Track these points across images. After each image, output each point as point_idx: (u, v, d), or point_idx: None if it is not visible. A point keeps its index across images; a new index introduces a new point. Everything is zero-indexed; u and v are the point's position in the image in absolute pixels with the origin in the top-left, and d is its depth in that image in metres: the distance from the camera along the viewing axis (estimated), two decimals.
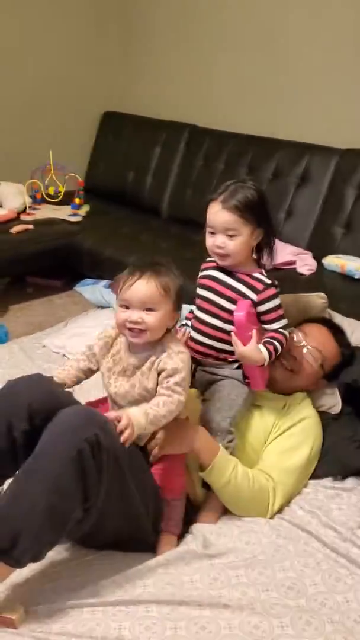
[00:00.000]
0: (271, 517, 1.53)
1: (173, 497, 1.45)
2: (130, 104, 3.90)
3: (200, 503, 1.55)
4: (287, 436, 1.63)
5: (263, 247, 1.60)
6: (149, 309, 1.36)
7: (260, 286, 1.55)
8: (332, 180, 2.86)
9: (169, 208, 3.53)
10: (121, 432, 1.27)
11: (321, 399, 1.79)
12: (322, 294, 2.01)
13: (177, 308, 1.42)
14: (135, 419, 1.30)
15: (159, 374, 1.38)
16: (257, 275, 1.57)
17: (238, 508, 1.52)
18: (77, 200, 3.38)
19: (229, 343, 1.55)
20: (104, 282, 2.83)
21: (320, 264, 2.71)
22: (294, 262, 2.73)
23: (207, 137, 3.41)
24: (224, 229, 1.51)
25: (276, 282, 1.59)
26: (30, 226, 3.13)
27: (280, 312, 1.58)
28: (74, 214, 3.33)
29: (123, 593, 1.27)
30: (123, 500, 1.32)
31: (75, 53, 3.78)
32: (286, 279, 2.52)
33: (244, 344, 1.50)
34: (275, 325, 1.57)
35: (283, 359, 1.69)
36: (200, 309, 1.60)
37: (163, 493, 1.44)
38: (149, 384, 1.38)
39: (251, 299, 1.54)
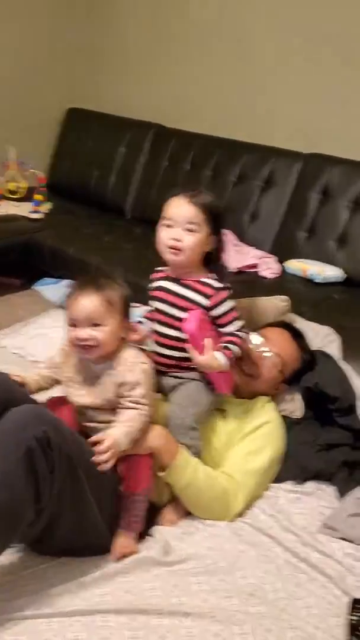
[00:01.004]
0: (232, 520, 1.52)
1: (135, 492, 1.41)
2: (96, 101, 3.85)
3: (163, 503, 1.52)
4: (250, 439, 1.62)
5: (212, 259, 1.57)
6: (97, 324, 1.35)
7: (210, 291, 1.53)
8: (296, 185, 2.88)
9: (133, 208, 3.50)
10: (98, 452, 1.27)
11: (283, 403, 1.79)
12: (285, 297, 2.02)
13: (126, 317, 1.42)
14: (117, 442, 1.30)
15: (119, 385, 1.37)
16: (206, 280, 1.54)
17: (199, 509, 1.50)
18: (38, 197, 3.31)
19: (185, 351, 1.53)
20: (66, 281, 2.77)
21: (283, 268, 2.72)
22: (257, 266, 2.73)
23: (173, 138, 3.39)
24: (185, 222, 1.48)
25: (228, 285, 1.57)
26: None
27: (234, 314, 1.56)
28: (35, 211, 3.26)
29: (80, 602, 1.23)
30: (77, 501, 1.29)
31: (39, 48, 3.71)
32: (249, 283, 2.56)
33: (200, 354, 1.49)
34: (230, 328, 1.56)
35: (243, 364, 1.69)
36: (156, 321, 1.58)
37: (126, 487, 1.40)
38: (109, 394, 1.38)
39: (203, 305, 1.52)
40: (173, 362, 1.56)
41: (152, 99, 3.65)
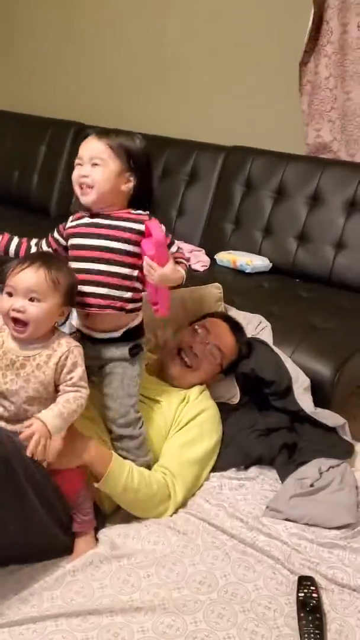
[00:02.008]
0: (175, 512, 1.52)
1: (74, 497, 1.39)
2: (13, 102, 3.76)
3: (107, 511, 1.51)
4: (186, 429, 1.63)
5: (140, 201, 1.51)
6: (34, 299, 1.31)
7: (144, 217, 1.47)
8: (219, 177, 2.91)
9: (58, 207, 3.44)
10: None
11: (219, 389, 1.82)
12: (218, 284, 2.06)
13: (67, 303, 1.37)
14: (50, 424, 1.26)
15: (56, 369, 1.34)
16: (134, 211, 1.49)
17: (139, 510, 1.49)
18: None
19: (125, 289, 1.47)
20: None
21: (213, 260, 2.75)
22: (187, 259, 2.74)
23: None
24: (91, 157, 1.44)
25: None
26: None
27: (170, 236, 1.52)
28: None
29: (30, 609, 1.21)
30: (19, 505, 1.25)
31: None
32: None
33: (163, 265, 1.42)
34: (174, 248, 1.54)
35: (184, 355, 1.70)
36: (82, 259, 1.48)
37: (65, 496, 1.38)
38: (46, 378, 1.33)
39: (139, 231, 1.46)
40: (108, 301, 1.46)
41: (71, 97, 3.60)
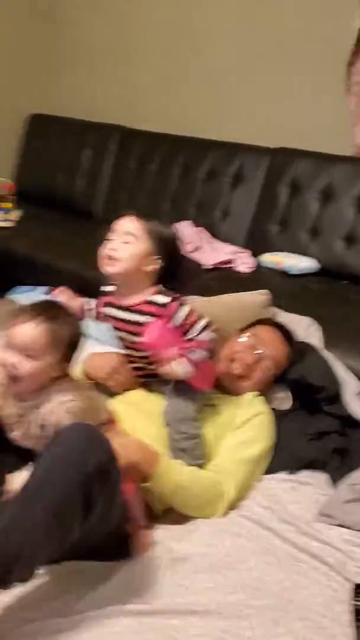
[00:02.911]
0: (227, 513, 1.51)
1: (129, 497, 1.37)
2: (58, 106, 3.81)
3: (159, 513, 1.50)
4: (241, 431, 1.63)
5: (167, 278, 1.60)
6: (30, 356, 1.29)
7: (156, 309, 1.54)
8: (265, 179, 2.89)
9: (103, 211, 3.48)
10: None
11: (271, 396, 1.81)
12: (265, 291, 2.04)
13: (67, 359, 1.35)
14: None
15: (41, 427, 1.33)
16: (150, 298, 1.55)
17: (192, 509, 1.49)
18: (7, 205, 3.27)
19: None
20: (41, 288, 2.74)
21: (257, 262, 2.74)
22: (232, 261, 2.74)
23: (138, 139, 3.38)
24: (123, 233, 1.53)
25: (177, 295, 1.58)
26: None
27: (192, 319, 1.56)
28: (5, 219, 3.22)
29: (84, 607, 1.21)
30: (110, 518, 1.26)
31: (0, 54, 3.67)
32: (225, 278, 2.56)
33: (162, 365, 1.50)
34: (193, 333, 1.56)
35: (237, 365, 1.70)
36: (121, 345, 1.65)
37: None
38: (34, 432, 1.35)
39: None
40: (147, 372, 1.63)
41: (115, 101, 3.63)
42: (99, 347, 2.10)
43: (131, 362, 1.64)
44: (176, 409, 1.55)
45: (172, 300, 1.55)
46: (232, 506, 1.53)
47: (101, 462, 1.16)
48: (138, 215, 1.58)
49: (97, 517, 1.18)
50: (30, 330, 1.28)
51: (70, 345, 1.34)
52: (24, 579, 1.13)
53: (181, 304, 1.56)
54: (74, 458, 1.15)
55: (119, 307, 1.59)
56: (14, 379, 1.28)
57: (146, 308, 1.55)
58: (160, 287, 1.58)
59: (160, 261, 1.56)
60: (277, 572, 1.35)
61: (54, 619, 1.18)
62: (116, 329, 1.62)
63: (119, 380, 1.67)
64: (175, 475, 1.44)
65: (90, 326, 2.34)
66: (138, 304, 1.56)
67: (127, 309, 1.57)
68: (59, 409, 1.31)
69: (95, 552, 1.34)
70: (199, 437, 1.55)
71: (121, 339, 1.63)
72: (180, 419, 1.54)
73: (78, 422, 1.29)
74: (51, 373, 1.32)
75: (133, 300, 1.57)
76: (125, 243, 1.52)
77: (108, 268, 1.54)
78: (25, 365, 1.27)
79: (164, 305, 1.55)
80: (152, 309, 1.54)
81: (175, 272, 1.61)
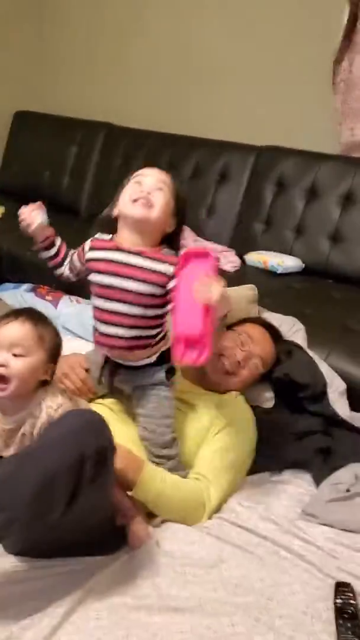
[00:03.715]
0: (210, 517, 1.51)
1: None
2: (44, 103, 3.80)
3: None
4: (221, 435, 1.61)
5: (170, 244, 1.46)
6: (19, 355, 1.27)
7: (175, 259, 1.39)
8: (250, 178, 2.90)
9: (88, 208, 3.47)
10: None
11: (254, 394, 1.81)
12: (252, 285, 2.05)
13: (51, 361, 1.34)
14: None
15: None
16: (166, 250, 1.42)
17: (174, 516, 1.48)
18: None
19: (150, 327, 1.42)
20: (25, 285, 2.73)
21: (243, 261, 2.74)
22: (217, 260, 2.74)
23: (124, 136, 3.38)
24: (158, 181, 1.42)
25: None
26: None
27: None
28: None
29: (72, 603, 1.21)
30: (100, 506, 1.27)
31: None
32: None
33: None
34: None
35: (225, 361, 1.69)
36: (101, 297, 1.43)
37: None
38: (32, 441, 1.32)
39: (168, 274, 1.38)
40: (132, 342, 1.43)
41: (101, 98, 3.63)
42: (75, 342, 2.09)
43: (111, 323, 1.42)
44: (150, 436, 1.50)
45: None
46: (214, 511, 1.53)
47: (100, 446, 1.17)
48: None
49: (87, 504, 1.18)
50: (16, 328, 1.28)
51: (54, 347, 1.34)
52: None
53: None
54: (73, 437, 1.17)
55: (125, 251, 1.41)
56: (3, 380, 1.27)
57: (162, 256, 1.40)
58: (164, 247, 1.44)
59: (174, 224, 1.45)
60: (259, 569, 1.36)
61: (37, 614, 1.18)
62: (107, 273, 1.41)
63: (70, 384, 1.60)
64: (158, 483, 1.43)
65: (69, 321, 2.34)
66: (150, 252, 1.40)
67: (136, 253, 1.40)
68: (56, 413, 1.30)
69: (88, 545, 1.34)
70: (178, 455, 1.52)
71: (107, 287, 1.41)
72: (159, 444, 1.49)
73: (81, 408, 1.30)
74: (39, 375, 1.31)
75: (142, 249, 1.41)
76: (160, 190, 1.40)
77: (139, 210, 1.38)
78: (15, 363, 1.27)
79: (173, 263, 1.39)
80: (170, 258, 1.39)
81: (176, 240, 1.47)
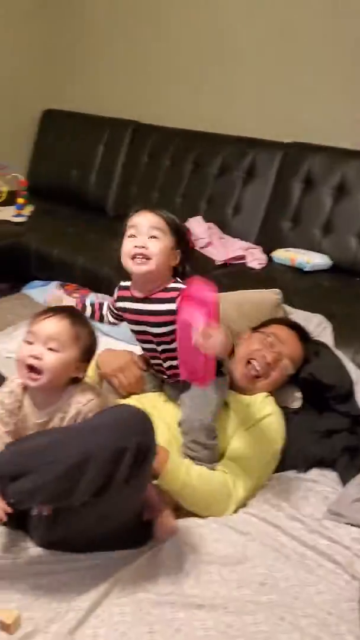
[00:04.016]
0: (236, 510, 1.52)
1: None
2: (72, 102, 3.82)
3: None
4: (251, 432, 1.62)
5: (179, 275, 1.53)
6: (53, 349, 1.29)
7: (175, 293, 1.47)
8: (278, 175, 2.88)
9: (115, 206, 3.49)
10: None
11: (281, 395, 1.80)
12: (277, 290, 2.03)
13: (84, 360, 1.36)
14: None
15: None
16: (170, 285, 1.49)
17: (200, 508, 1.49)
18: (20, 201, 3.28)
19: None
20: (54, 283, 2.76)
21: (269, 258, 2.73)
22: (243, 257, 2.74)
23: (151, 134, 3.38)
24: (150, 228, 1.44)
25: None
26: None
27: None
28: (18, 215, 3.23)
29: (97, 596, 1.23)
30: (133, 500, 1.30)
31: (13, 50, 3.67)
32: (237, 274, 2.56)
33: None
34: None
35: (256, 364, 1.70)
36: (142, 341, 1.58)
37: None
38: None
39: (174, 310, 1.45)
40: (172, 371, 1.56)
41: (128, 96, 3.63)
42: (114, 344, 2.12)
43: (153, 358, 1.59)
44: (193, 418, 1.53)
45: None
46: (240, 505, 1.54)
47: (143, 444, 1.20)
48: (153, 208, 1.49)
49: (117, 498, 1.21)
50: (54, 323, 1.32)
51: (88, 347, 1.36)
52: (19, 503, 1.20)
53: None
54: (121, 428, 1.20)
55: (138, 300, 1.51)
56: (35, 371, 1.29)
57: (165, 295, 1.47)
58: (176, 279, 1.52)
59: (179, 255, 1.50)
60: (284, 568, 1.36)
61: (62, 607, 1.20)
62: (132, 322, 1.55)
63: (124, 380, 1.67)
64: (184, 474, 1.44)
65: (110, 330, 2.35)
66: (157, 293, 1.48)
67: (147, 300, 1.50)
68: (85, 408, 1.33)
69: (114, 540, 1.35)
70: (216, 446, 1.54)
71: (137, 332, 1.55)
72: (197, 428, 1.51)
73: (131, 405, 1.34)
74: (71, 371, 1.34)
75: (153, 293, 1.50)
76: (153, 238, 1.44)
77: (139, 267, 1.44)
78: (49, 357, 1.29)
79: (174, 297, 1.46)
80: (172, 293, 1.46)
81: (187, 266, 1.53)
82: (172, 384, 1.62)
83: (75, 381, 1.36)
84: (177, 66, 3.37)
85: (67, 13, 3.77)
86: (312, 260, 2.58)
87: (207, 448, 1.52)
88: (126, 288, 1.55)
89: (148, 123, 3.45)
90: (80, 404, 1.33)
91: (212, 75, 3.24)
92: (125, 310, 1.55)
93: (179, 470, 1.44)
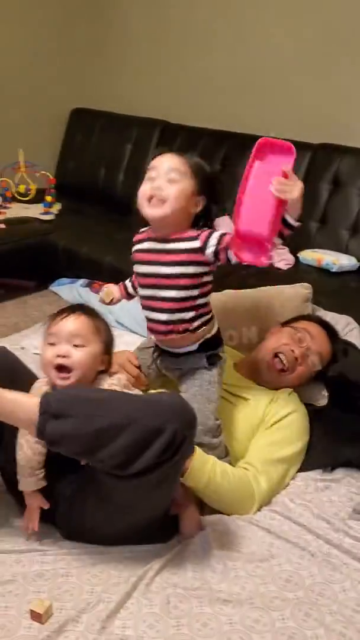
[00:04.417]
0: (259, 509, 1.52)
1: None
2: (100, 101, 3.86)
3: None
4: (274, 429, 1.63)
5: (202, 222, 1.46)
6: (78, 345, 1.31)
7: (194, 233, 1.41)
8: (306, 175, 2.88)
9: None
10: None
11: (307, 392, 1.81)
12: (307, 284, 2.04)
13: (107, 352, 1.38)
14: None
15: None
16: (187, 234, 1.42)
17: (224, 505, 1.50)
18: (48, 199, 3.33)
19: (186, 310, 1.44)
20: (81, 281, 2.80)
21: (296, 258, 2.73)
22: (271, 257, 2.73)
23: (179, 133, 3.40)
24: (168, 170, 1.37)
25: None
26: (2, 225, 3.07)
27: (222, 244, 1.40)
28: (46, 212, 3.28)
29: (122, 589, 1.25)
30: (156, 503, 1.32)
31: (42, 49, 3.72)
32: (264, 274, 2.55)
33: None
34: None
35: (283, 358, 1.71)
36: (142, 286, 1.48)
37: None
38: None
39: (194, 248, 1.39)
40: (170, 326, 1.46)
41: (157, 96, 3.66)
42: (129, 336, 2.19)
43: (156, 309, 1.46)
44: (199, 412, 1.46)
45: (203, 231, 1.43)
46: (265, 504, 1.54)
47: (180, 434, 1.19)
48: (176, 151, 1.42)
49: (148, 485, 1.23)
50: (73, 320, 1.34)
51: (108, 338, 1.39)
52: (53, 442, 1.21)
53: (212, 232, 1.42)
54: (166, 411, 1.21)
55: (157, 240, 1.43)
56: (65, 370, 1.31)
57: (184, 234, 1.41)
58: (196, 227, 1.45)
59: (203, 202, 1.42)
60: (309, 566, 1.37)
61: (93, 599, 1.23)
62: (144, 262, 1.46)
63: (127, 374, 1.62)
64: (209, 471, 1.44)
65: (123, 316, 2.39)
66: (177, 235, 1.41)
67: (166, 239, 1.42)
68: (117, 385, 1.36)
69: (142, 534, 1.38)
70: (221, 442, 1.53)
71: (145, 276, 1.47)
72: (200, 432, 1.47)
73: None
74: (97, 364, 1.36)
75: (167, 235, 1.43)
76: (171, 181, 1.36)
77: (153, 210, 1.37)
78: (76, 353, 1.32)
79: (201, 229, 1.42)
80: (191, 233, 1.41)
81: (211, 212, 1.45)
82: (168, 363, 1.57)
83: (101, 373, 1.40)
84: (206, 66, 3.39)
85: (97, 14, 3.81)
86: (339, 261, 2.58)
87: (212, 448, 1.50)
88: (143, 233, 1.50)
89: (176, 123, 3.47)
90: (113, 384, 1.36)
91: (242, 76, 3.25)
92: (140, 250, 1.47)
93: (204, 467, 1.44)
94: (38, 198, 3.33)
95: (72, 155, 3.86)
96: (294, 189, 1.29)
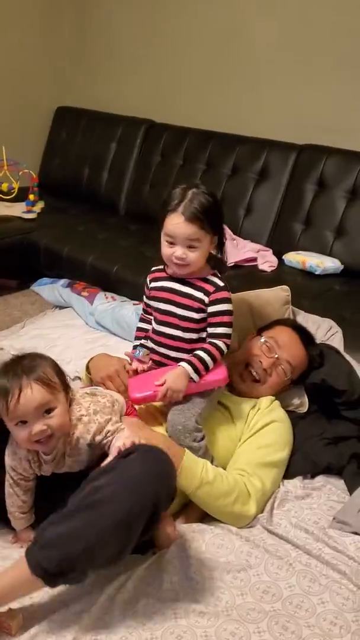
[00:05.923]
0: (258, 512, 1.50)
1: None
2: (85, 99, 3.82)
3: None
4: (261, 434, 1.61)
5: (215, 249, 1.58)
6: (49, 410, 1.26)
7: (211, 288, 1.53)
8: (291, 176, 2.85)
9: (127, 204, 3.48)
10: None
11: (288, 398, 1.78)
12: (285, 287, 2.01)
13: (68, 392, 1.33)
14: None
15: (89, 444, 1.33)
16: (210, 278, 1.55)
17: (216, 509, 1.47)
18: (31, 197, 3.28)
19: (186, 351, 1.56)
20: (62, 281, 2.75)
21: (280, 261, 2.71)
22: (254, 259, 2.72)
23: (164, 133, 3.37)
24: (186, 240, 1.47)
25: (227, 287, 1.56)
26: None
27: (225, 319, 1.54)
28: (29, 211, 3.23)
29: (96, 606, 1.22)
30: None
31: (27, 47, 3.67)
32: (247, 276, 2.54)
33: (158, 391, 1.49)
34: (216, 330, 1.53)
35: (252, 370, 1.69)
36: (159, 322, 1.59)
37: None
38: (84, 456, 1.35)
39: (201, 301, 1.53)
40: (170, 361, 1.57)
41: (142, 95, 3.62)
42: (112, 339, 2.18)
43: (163, 345, 1.59)
44: (176, 421, 1.51)
45: (225, 287, 1.55)
46: (261, 507, 1.52)
47: (163, 493, 1.20)
48: (185, 210, 1.46)
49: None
50: (31, 393, 1.24)
51: (63, 380, 1.32)
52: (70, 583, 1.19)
53: (229, 297, 1.56)
54: (151, 483, 1.18)
55: (178, 280, 1.56)
56: (47, 441, 1.28)
57: (202, 284, 1.54)
58: (216, 272, 1.57)
59: (216, 237, 1.54)
60: (288, 577, 1.34)
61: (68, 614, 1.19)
62: (162, 300, 1.58)
63: (112, 388, 1.62)
64: (201, 470, 1.43)
65: (104, 317, 2.36)
66: (197, 278, 1.54)
67: (185, 281, 1.55)
68: (92, 420, 1.33)
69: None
70: (202, 448, 1.51)
71: (170, 314, 1.57)
72: (180, 432, 1.50)
73: (151, 446, 1.30)
74: (68, 416, 1.32)
75: (193, 276, 1.56)
76: (191, 248, 1.48)
77: (179, 269, 1.52)
78: (52, 421, 1.26)
79: (220, 287, 1.54)
80: (208, 286, 1.54)
81: (223, 242, 1.58)
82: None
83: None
84: (191, 65, 3.36)
85: (82, 11, 3.76)
86: (323, 263, 2.56)
87: (193, 450, 1.49)
88: (160, 270, 1.62)
89: (161, 122, 3.44)
90: (78, 430, 1.32)
91: (227, 75, 3.22)
92: (159, 289, 1.59)
93: (196, 468, 1.43)
94: (21, 197, 3.28)
95: (56, 153, 3.82)
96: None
